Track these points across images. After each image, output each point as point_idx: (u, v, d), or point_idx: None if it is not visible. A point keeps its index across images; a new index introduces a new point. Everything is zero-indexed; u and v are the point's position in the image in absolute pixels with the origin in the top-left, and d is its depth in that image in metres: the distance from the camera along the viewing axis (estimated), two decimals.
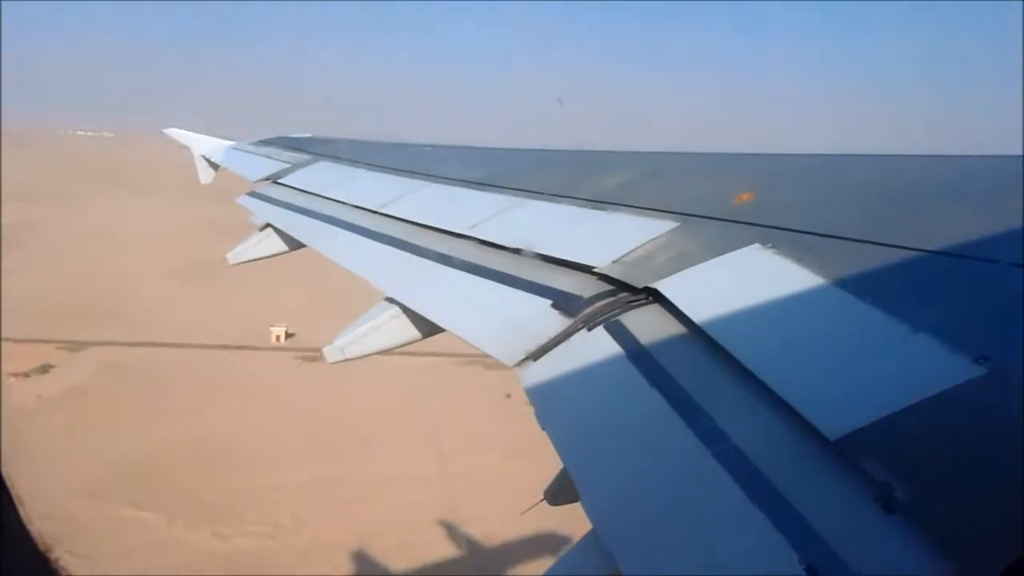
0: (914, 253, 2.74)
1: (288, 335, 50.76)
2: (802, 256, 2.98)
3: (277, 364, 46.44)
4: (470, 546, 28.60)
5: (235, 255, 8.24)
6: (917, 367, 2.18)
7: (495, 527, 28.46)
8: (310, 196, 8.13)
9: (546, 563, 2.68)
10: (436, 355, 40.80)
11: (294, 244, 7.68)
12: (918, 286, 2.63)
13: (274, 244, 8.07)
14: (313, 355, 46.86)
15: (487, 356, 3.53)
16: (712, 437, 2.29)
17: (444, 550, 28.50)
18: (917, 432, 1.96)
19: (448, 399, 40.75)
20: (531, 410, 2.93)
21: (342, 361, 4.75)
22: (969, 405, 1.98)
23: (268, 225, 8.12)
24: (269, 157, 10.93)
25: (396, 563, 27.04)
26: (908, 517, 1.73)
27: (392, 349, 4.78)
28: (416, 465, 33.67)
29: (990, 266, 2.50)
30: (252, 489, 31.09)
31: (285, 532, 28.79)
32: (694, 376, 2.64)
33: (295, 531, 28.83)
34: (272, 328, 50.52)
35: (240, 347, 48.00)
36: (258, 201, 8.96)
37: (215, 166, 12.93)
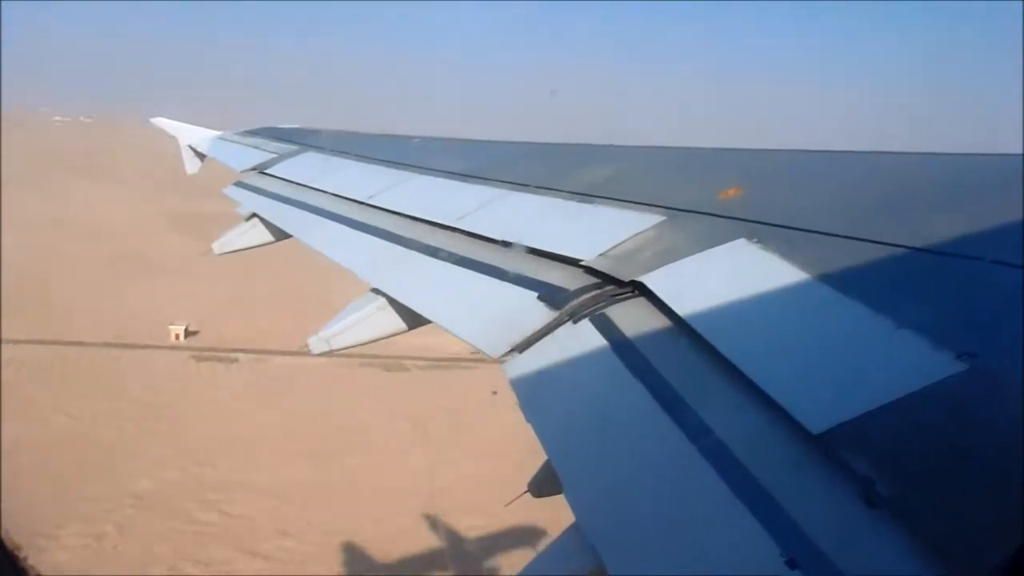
0: (899, 250, 2.75)
1: (189, 333, 48.82)
2: (788, 251, 2.98)
3: (167, 363, 44.31)
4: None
5: (220, 245, 8.19)
6: (900, 363, 2.19)
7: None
8: (297, 186, 8.09)
9: (529, 555, 2.67)
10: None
11: (280, 234, 7.64)
12: (903, 282, 2.64)
13: (260, 234, 8.02)
14: (209, 355, 45.31)
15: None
16: (696, 431, 2.29)
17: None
18: (900, 427, 1.97)
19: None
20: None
21: (327, 352, 4.73)
22: (952, 401, 1.99)
23: (254, 215, 8.07)
24: (256, 147, 10.87)
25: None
26: (890, 512, 1.73)
27: (378, 340, 4.77)
28: (283, 472, 32.30)
29: (974, 263, 2.51)
30: (87, 498, 29.29)
31: (106, 543, 27.16)
32: (679, 370, 2.64)
33: (120, 542, 27.23)
34: (171, 327, 48.72)
35: (138, 346, 46.03)
36: (244, 191, 8.91)
37: (201, 156, 12.84)
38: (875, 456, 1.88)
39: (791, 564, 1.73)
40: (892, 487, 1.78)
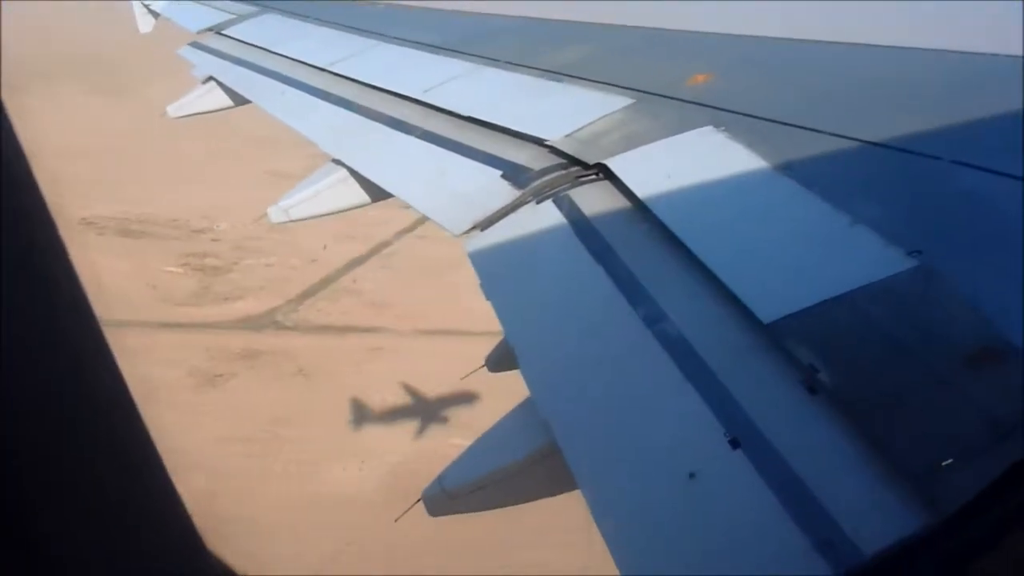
0: (863, 145, 2.76)
1: None
2: (754, 141, 2.98)
3: None
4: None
5: (175, 108, 7.91)
6: (853, 256, 2.24)
7: None
8: (256, 50, 7.79)
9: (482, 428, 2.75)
10: None
11: (238, 99, 7.40)
12: (864, 177, 2.67)
13: (217, 99, 7.74)
14: None
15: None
16: (651, 315, 2.34)
17: None
18: (846, 320, 2.03)
19: None
20: None
21: (286, 222, 4.69)
22: (897, 297, 2.05)
23: (211, 78, 7.78)
24: (212, 7, 10.37)
25: None
26: (830, 400, 1.81)
27: (338, 212, 4.73)
28: None
29: (933, 162, 2.54)
30: None
31: None
32: (638, 254, 2.67)
33: None
34: None
35: None
36: (200, 53, 8.54)
37: (155, 14, 12.23)
38: (820, 346, 1.95)
39: (734, 444, 1.80)
40: (834, 376, 1.86)
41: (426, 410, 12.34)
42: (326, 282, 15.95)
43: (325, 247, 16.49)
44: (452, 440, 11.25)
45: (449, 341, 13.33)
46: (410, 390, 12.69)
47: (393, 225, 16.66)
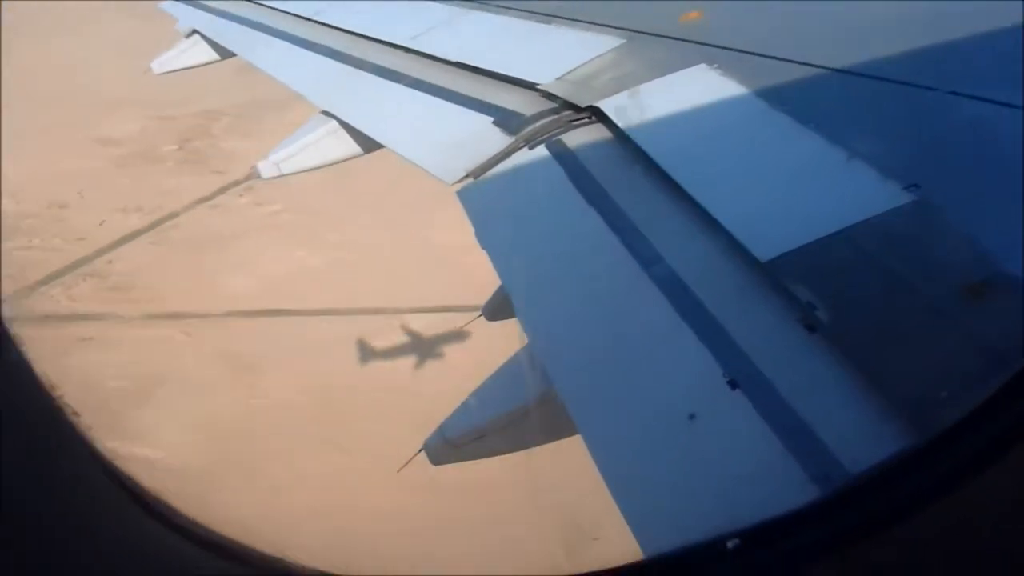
0: (859, 78, 2.72)
1: None
2: (747, 78, 2.93)
3: None
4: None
5: (160, 63, 7.76)
6: (850, 192, 2.21)
7: None
8: (241, 1, 7.63)
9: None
10: None
11: (225, 53, 7.26)
12: (859, 111, 2.63)
13: (202, 53, 7.59)
14: None
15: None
16: (648, 258, 2.33)
17: None
18: (843, 256, 2.01)
19: None
20: None
21: (277, 177, 4.64)
22: (894, 233, 2.03)
23: (195, 32, 7.63)
24: None
25: None
26: (828, 337, 1.80)
27: (330, 164, 4.68)
28: None
29: (929, 93, 2.50)
30: None
31: None
32: (633, 197, 2.64)
33: None
34: None
35: None
36: (183, 5, 8.37)
37: None
38: (818, 283, 1.93)
39: (732, 385, 1.80)
40: (832, 314, 1.84)
41: (96, 409, 10.38)
42: (76, 264, 14.04)
43: (103, 223, 14.79)
44: (108, 443, 10.12)
45: (175, 326, 12.04)
46: (88, 387, 10.66)
47: (191, 193, 15.09)
